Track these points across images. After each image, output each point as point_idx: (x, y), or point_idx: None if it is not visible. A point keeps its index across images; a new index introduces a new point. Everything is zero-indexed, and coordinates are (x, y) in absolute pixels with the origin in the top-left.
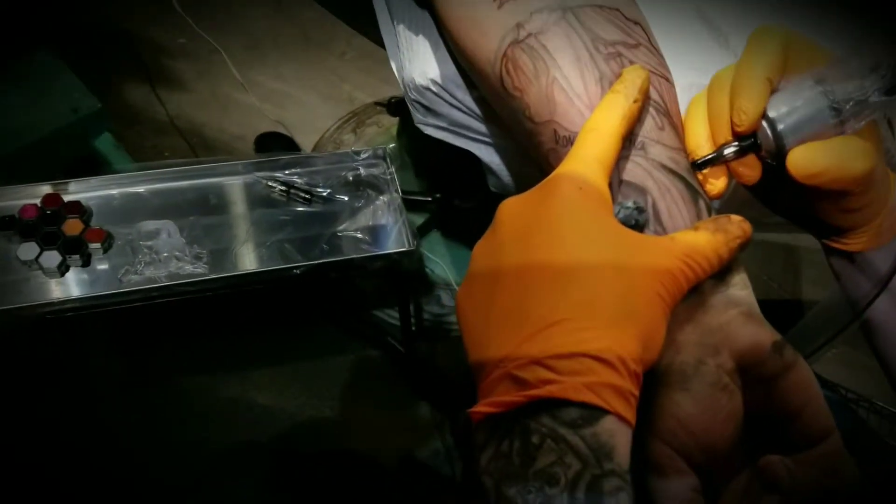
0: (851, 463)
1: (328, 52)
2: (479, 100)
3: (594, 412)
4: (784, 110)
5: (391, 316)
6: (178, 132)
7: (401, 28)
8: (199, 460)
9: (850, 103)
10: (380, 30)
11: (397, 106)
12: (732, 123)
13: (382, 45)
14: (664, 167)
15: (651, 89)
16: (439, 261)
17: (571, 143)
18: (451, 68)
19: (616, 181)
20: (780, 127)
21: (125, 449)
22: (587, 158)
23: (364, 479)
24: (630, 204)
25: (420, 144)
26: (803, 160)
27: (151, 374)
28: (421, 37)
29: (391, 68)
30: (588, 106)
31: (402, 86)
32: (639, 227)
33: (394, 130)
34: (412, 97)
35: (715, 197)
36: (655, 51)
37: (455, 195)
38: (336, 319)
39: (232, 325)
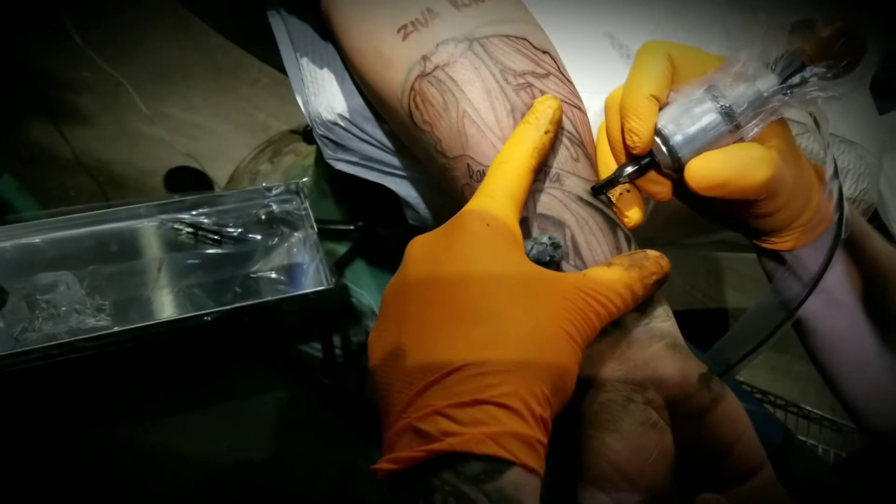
0: (785, 495)
1: (240, 80)
2: (389, 133)
3: (498, 464)
4: (674, 124)
5: (317, 349)
6: (85, 170)
7: (304, 61)
8: None
9: (744, 106)
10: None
11: (313, 134)
12: (626, 146)
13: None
14: (581, 199)
15: (564, 119)
16: (364, 291)
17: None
18: (359, 101)
19: (533, 214)
20: (672, 141)
21: None
22: (496, 194)
23: None
24: (545, 239)
25: (340, 172)
26: (700, 172)
27: (62, 427)
28: (326, 70)
29: None
30: (500, 138)
31: (309, 121)
32: (554, 262)
33: (312, 158)
34: (320, 132)
35: (633, 227)
36: (566, 79)
37: (378, 222)
38: (260, 357)
39: (148, 370)
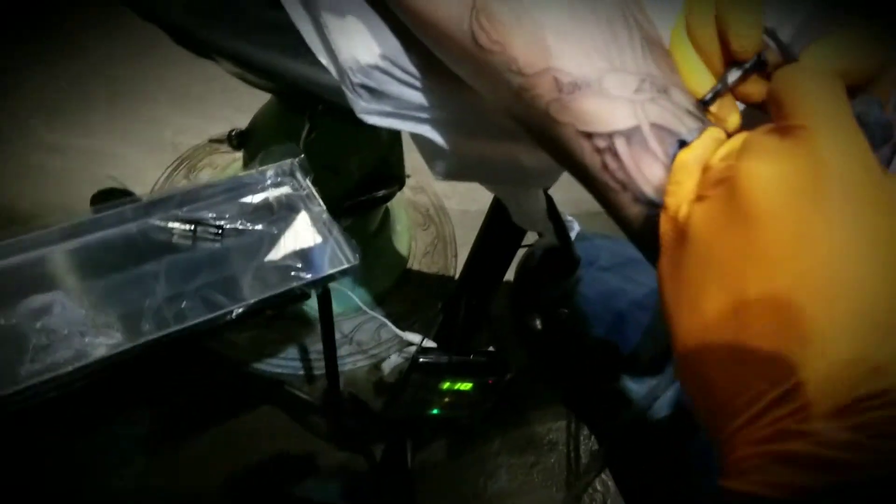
0: None
1: (139, 100)
2: (421, 67)
3: None
4: (782, 18)
5: (273, 364)
6: None
7: (323, 13)
8: None
9: None
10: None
11: (240, 137)
12: (734, 52)
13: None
14: (690, 113)
15: (651, 29)
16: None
17: (579, 88)
18: (396, 43)
19: (645, 125)
20: (785, 38)
21: None
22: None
23: None
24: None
25: None
26: (818, 65)
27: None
28: (350, 17)
29: (210, 104)
30: (591, 47)
31: (336, 74)
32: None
33: (233, 168)
34: (356, 81)
35: (733, 133)
36: None
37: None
38: (207, 385)
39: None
